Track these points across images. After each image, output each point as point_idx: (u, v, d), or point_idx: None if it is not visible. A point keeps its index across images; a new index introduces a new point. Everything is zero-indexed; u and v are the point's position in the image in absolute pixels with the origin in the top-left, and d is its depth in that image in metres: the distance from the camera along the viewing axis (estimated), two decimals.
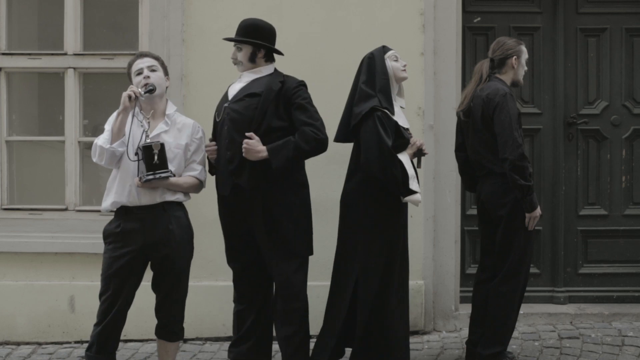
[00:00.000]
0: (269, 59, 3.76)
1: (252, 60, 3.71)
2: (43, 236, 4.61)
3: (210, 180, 3.77)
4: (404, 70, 3.77)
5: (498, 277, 3.90)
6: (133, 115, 3.46)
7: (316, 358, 3.73)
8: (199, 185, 3.66)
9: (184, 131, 3.61)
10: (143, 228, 3.47)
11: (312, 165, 3.76)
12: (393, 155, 3.55)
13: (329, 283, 3.82)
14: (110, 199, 3.51)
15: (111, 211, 3.57)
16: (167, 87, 3.65)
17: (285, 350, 3.71)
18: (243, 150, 3.53)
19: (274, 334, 3.82)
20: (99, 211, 3.98)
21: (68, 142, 4.67)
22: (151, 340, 4.37)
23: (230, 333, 4.16)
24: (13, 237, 4.62)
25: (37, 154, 5.03)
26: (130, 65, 3.62)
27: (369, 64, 3.73)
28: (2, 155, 4.73)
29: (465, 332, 4.45)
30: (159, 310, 3.61)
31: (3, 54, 4.72)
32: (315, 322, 3.84)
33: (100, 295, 3.52)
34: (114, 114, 3.52)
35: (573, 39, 4.95)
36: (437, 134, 4.62)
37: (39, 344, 4.60)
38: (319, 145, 3.60)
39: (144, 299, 3.70)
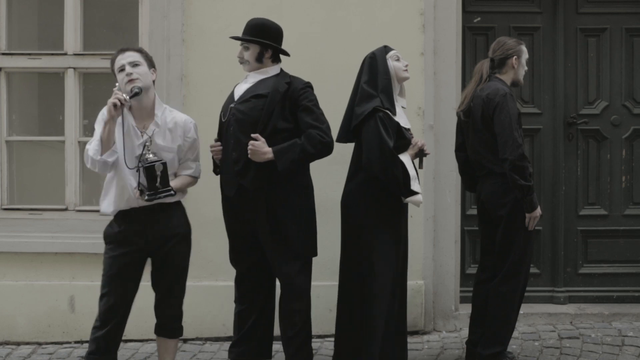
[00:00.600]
0: (276, 59, 3.75)
1: (259, 60, 3.71)
2: (43, 236, 4.61)
3: (214, 181, 3.77)
4: (406, 70, 3.76)
5: (498, 277, 3.90)
6: (123, 121, 3.37)
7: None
8: (194, 182, 3.66)
9: (175, 131, 3.52)
10: (144, 228, 3.47)
11: (314, 166, 3.76)
12: (394, 155, 3.55)
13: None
14: (111, 206, 3.47)
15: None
16: (154, 81, 3.50)
17: (287, 350, 3.72)
18: (249, 151, 3.53)
19: (275, 334, 3.83)
20: (99, 211, 3.97)
21: (68, 142, 4.67)
22: (151, 340, 4.37)
23: (230, 333, 4.16)
24: (13, 237, 4.61)
25: (37, 154, 5.03)
26: (112, 61, 3.49)
27: (370, 64, 3.72)
28: (2, 155, 4.73)
29: (465, 332, 4.45)
30: (158, 308, 3.61)
31: (3, 54, 4.71)
32: (316, 321, 3.84)
33: (102, 297, 3.49)
34: (104, 111, 3.40)
35: (573, 39, 4.95)
36: (437, 134, 4.62)
37: (39, 344, 4.60)
38: (325, 149, 3.60)
39: (144, 298, 3.70)
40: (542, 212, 4.00)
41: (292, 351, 3.70)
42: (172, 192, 3.38)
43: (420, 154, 3.74)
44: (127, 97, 3.32)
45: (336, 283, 3.78)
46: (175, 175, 3.56)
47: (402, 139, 3.65)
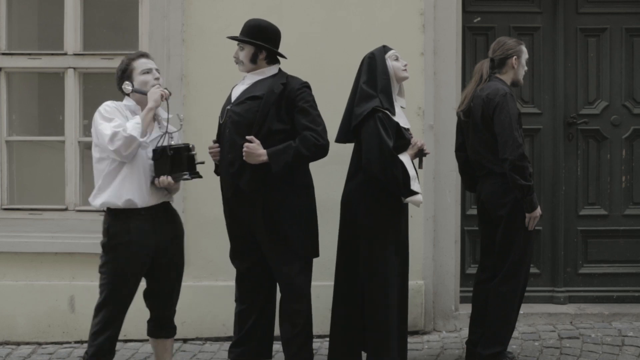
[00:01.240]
0: (272, 60, 3.73)
1: (254, 61, 3.69)
2: (43, 236, 4.61)
3: (214, 181, 3.77)
4: (405, 70, 3.76)
5: (498, 277, 3.90)
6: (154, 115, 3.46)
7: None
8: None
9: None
10: (154, 228, 3.44)
11: (313, 166, 3.76)
12: (394, 156, 3.55)
13: (329, 283, 3.82)
14: (124, 196, 3.34)
15: (103, 211, 3.49)
16: None
17: (288, 350, 3.72)
18: (243, 153, 3.52)
19: (275, 334, 3.83)
20: (99, 211, 3.97)
21: (68, 142, 4.67)
22: None
23: (230, 333, 4.16)
24: (13, 237, 4.62)
25: (37, 154, 5.03)
26: (130, 61, 3.49)
27: (369, 64, 3.72)
28: (2, 155, 4.73)
29: (465, 332, 4.45)
30: (157, 309, 3.61)
31: (3, 54, 4.72)
32: (316, 321, 3.84)
33: (102, 306, 3.40)
34: (110, 104, 3.41)
35: (573, 39, 4.95)
36: (437, 134, 4.62)
37: (39, 344, 4.60)
38: (320, 151, 3.59)
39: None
40: (542, 212, 3.99)
41: (292, 352, 3.70)
42: (198, 174, 3.54)
43: (420, 153, 3.74)
44: (169, 92, 3.47)
45: None
46: None
47: (402, 139, 3.64)
